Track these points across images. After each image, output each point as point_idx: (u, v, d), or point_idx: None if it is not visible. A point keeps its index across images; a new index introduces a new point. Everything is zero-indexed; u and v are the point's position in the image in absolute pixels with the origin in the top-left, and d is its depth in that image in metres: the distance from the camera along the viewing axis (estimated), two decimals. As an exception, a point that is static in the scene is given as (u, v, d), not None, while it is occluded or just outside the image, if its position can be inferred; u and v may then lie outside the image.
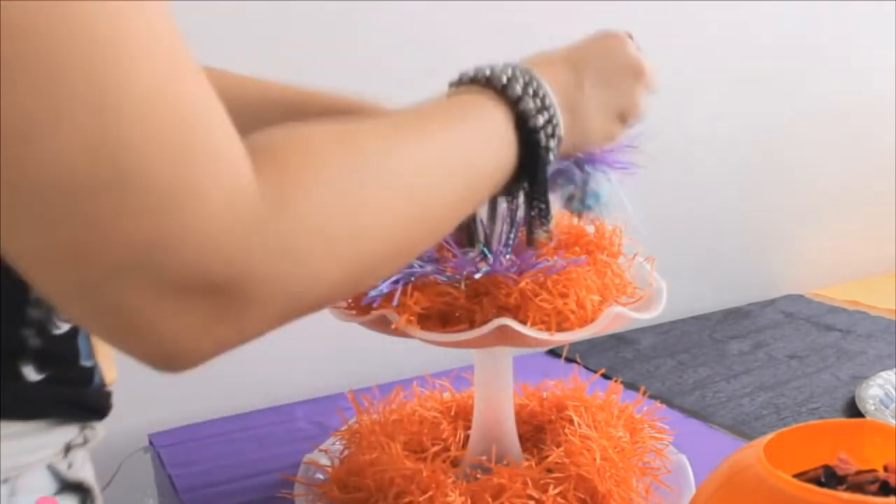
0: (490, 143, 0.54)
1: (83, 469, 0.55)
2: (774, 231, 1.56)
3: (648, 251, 0.79)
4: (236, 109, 0.40)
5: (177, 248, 0.35)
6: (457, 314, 0.70)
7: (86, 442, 0.55)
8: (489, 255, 0.69)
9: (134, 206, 0.34)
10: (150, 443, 1.02)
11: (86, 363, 0.53)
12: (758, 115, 1.48)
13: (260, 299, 0.38)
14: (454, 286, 0.69)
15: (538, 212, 0.62)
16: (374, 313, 0.70)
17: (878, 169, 1.63)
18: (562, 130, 0.58)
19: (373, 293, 0.69)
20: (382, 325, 0.70)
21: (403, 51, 1.15)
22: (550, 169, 0.60)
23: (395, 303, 0.68)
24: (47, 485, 0.52)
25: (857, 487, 0.54)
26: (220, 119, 0.38)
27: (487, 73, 0.56)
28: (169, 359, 0.38)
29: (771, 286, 1.52)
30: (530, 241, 0.67)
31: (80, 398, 0.53)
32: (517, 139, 0.56)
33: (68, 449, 0.53)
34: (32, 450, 0.50)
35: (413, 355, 1.01)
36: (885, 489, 0.53)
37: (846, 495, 0.50)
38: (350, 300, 0.74)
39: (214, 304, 0.37)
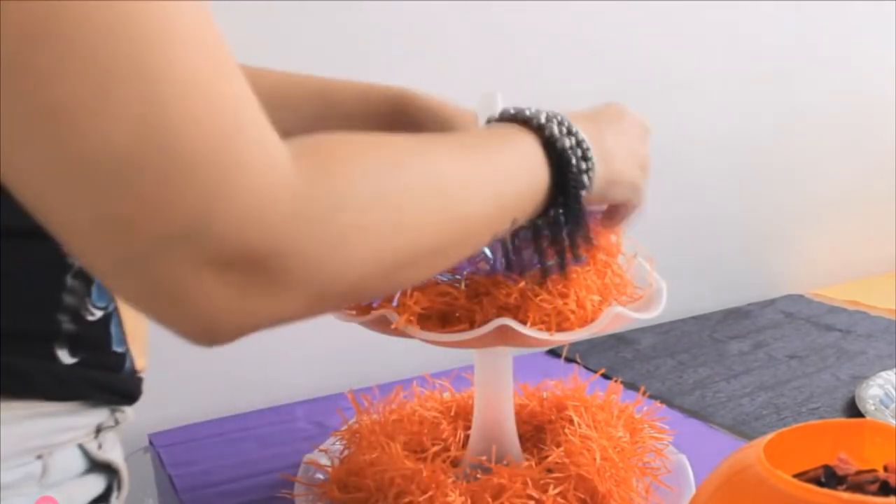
0: (523, 161, 0.56)
1: (112, 450, 0.58)
2: (774, 231, 1.56)
3: (648, 251, 0.79)
4: (266, 99, 0.42)
5: (218, 222, 0.37)
6: (457, 314, 0.70)
7: (116, 424, 0.57)
8: (490, 256, 0.69)
9: (177, 182, 0.36)
10: (150, 443, 1.02)
11: (117, 349, 0.56)
12: (758, 115, 1.48)
13: (295, 276, 0.40)
14: (454, 286, 0.69)
15: (573, 239, 0.63)
16: (374, 313, 0.70)
17: (878, 169, 1.63)
18: (593, 154, 0.59)
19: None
20: (382, 325, 0.70)
21: (403, 52, 1.15)
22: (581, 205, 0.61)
23: (395, 303, 0.68)
24: (78, 463, 0.55)
25: (857, 487, 0.54)
26: (256, 107, 0.40)
27: (512, 111, 0.59)
28: (206, 331, 0.40)
29: (771, 286, 1.51)
30: (565, 270, 0.67)
31: (111, 382, 0.56)
32: (549, 165, 0.57)
33: (99, 430, 0.56)
34: (64, 429, 0.53)
35: (413, 355, 1.01)
36: (885, 489, 0.53)
37: (846, 495, 0.50)
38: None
39: (252, 278, 0.39)
